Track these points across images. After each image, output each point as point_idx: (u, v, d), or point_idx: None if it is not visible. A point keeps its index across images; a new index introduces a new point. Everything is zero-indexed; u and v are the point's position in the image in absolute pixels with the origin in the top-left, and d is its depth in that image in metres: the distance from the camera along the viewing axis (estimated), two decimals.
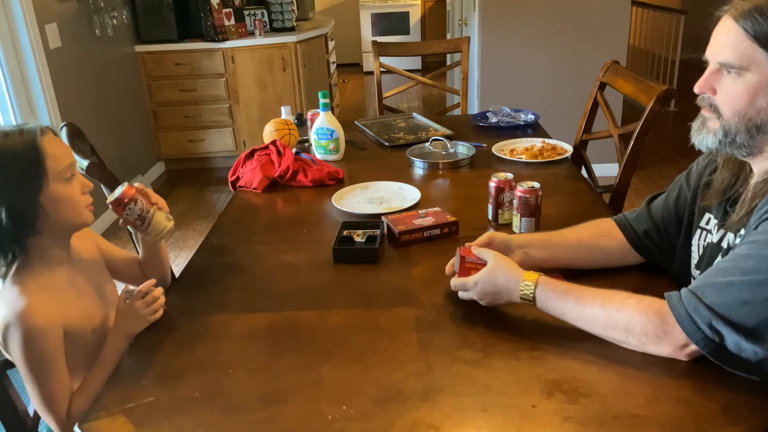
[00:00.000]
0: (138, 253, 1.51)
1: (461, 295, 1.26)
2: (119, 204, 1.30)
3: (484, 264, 1.23)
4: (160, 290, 1.30)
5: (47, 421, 1.21)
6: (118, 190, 1.31)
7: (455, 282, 1.26)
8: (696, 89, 1.09)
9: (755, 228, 1.01)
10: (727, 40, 1.03)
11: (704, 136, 1.10)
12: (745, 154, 1.09)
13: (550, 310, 1.15)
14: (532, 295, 1.15)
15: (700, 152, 1.27)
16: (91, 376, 1.22)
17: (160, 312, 1.28)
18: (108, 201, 1.32)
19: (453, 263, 1.32)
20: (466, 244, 1.30)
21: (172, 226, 1.37)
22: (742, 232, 1.07)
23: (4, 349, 1.18)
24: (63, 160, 1.21)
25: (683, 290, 1.04)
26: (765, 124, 1.03)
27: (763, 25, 0.99)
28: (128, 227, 1.40)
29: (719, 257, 1.14)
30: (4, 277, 1.20)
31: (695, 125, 1.13)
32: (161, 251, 1.48)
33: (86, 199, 1.26)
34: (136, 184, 1.34)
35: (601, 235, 1.37)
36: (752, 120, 1.04)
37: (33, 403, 1.20)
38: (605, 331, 1.09)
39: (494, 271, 1.20)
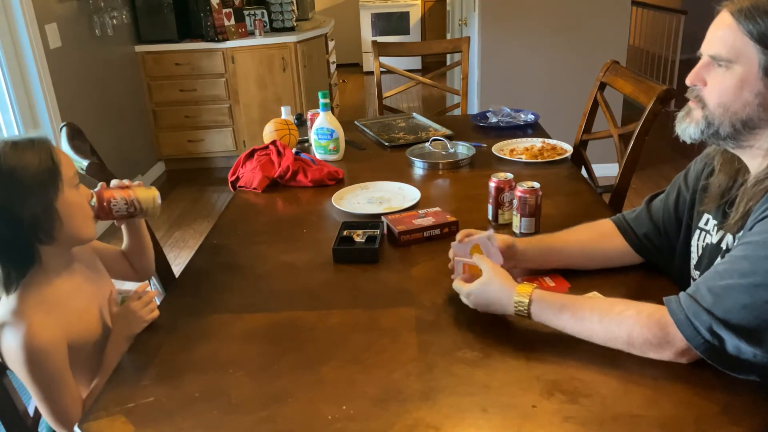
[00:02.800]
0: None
1: (461, 297, 1.26)
2: (103, 210, 1.30)
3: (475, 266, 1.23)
4: (154, 293, 1.30)
5: None
6: (93, 202, 1.29)
7: (455, 285, 1.26)
8: (687, 81, 1.11)
9: (750, 229, 1.01)
10: (721, 33, 1.04)
11: (686, 125, 1.12)
12: (732, 146, 1.09)
13: (547, 324, 1.14)
14: (526, 311, 1.14)
15: (699, 152, 1.28)
16: (99, 383, 1.22)
17: (157, 312, 1.29)
18: (94, 216, 1.30)
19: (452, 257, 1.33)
20: (464, 239, 1.31)
21: (157, 191, 1.36)
22: (740, 234, 1.07)
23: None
24: (71, 168, 1.23)
25: (682, 294, 1.03)
26: (751, 119, 1.04)
27: (757, 21, 1.00)
28: (126, 222, 1.41)
29: (718, 259, 1.14)
30: (14, 291, 1.18)
31: (680, 115, 1.14)
32: (144, 239, 1.47)
33: (92, 210, 1.27)
34: (98, 187, 1.33)
35: (600, 238, 1.36)
36: (737, 114, 1.04)
37: (45, 419, 1.20)
38: (605, 343, 1.08)
39: (487, 284, 1.19)
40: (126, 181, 1.35)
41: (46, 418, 1.20)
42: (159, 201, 1.35)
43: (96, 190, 1.31)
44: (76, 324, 1.23)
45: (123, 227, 1.44)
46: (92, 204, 1.28)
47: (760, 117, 1.03)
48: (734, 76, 1.03)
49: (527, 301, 1.13)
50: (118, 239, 1.49)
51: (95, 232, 1.28)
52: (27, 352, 1.13)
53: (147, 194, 1.34)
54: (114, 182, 1.34)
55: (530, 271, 1.37)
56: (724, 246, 1.14)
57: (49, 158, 1.17)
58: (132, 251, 1.47)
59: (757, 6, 1.01)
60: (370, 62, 7.85)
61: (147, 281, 1.32)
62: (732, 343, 0.97)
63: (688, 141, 1.13)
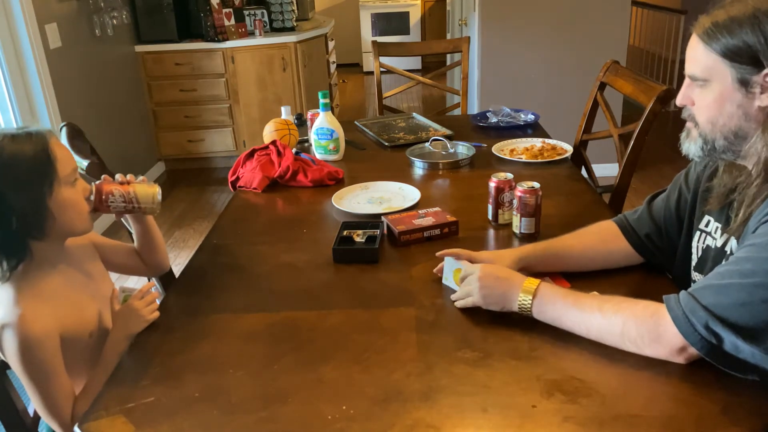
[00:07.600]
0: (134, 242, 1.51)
1: (463, 303, 1.26)
2: (101, 204, 1.30)
3: None
4: (156, 293, 1.31)
5: (53, 426, 1.21)
6: (92, 197, 1.29)
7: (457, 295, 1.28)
8: (677, 102, 1.16)
9: (754, 231, 1.02)
10: (693, 54, 1.10)
11: (689, 144, 1.16)
12: (733, 158, 1.12)
13: (547, 312, 1.15)
14: (533, 290, 1.15)
15: None
16: (94, 379, 1.22)
17: (158, 313, 1.29)
18: (92, 209, 1.30)
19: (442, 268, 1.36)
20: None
21: (158, 188, 1.35)
22: (743, 237, 1.07)
23: (1, 352, 1.18)
24: (69, 165, 1.22)
25: (681, 293, 1.04)
26: (740, 128, 1.07)
27: (720, 38, 1.04)
28: (125, 218, 1.41)
29: (723, 262, 1.14)
30: (6, 280, 1.19)
31: (683, 135, 1.18)
32: (154, 236, 1.48)
33: (88, 204, 1.27)
34: (98, 181, 1.33)
35: (604, 242, 1.37)
36: (726, 126, 1.08)
37: (37, 410, 1.20)
38: (601, 334, 1.09)
39: (493, 267, 1.24)
40: (129, 176, 1.35)
41: (38, 410, 1.20)
42: (159, 198, 1.34)
43: (97, 182, 1.31)
44: (70, 315, 1.23)
45: (131, 224, 1.44)
46: (90, 198, 1.28)
47: (748, 125, 1.07)
48: (713, 93, 1.07)
49: (536, 285, 1.16)
50: (120, 236, 1.50)
51: (90, 225, 1.28)
52: (19, 341, 1.13)
53: (146, 191, 1.33)
54: (118, 176, 1.34)
55: (531, 272, 1.36)
56: (728, 250, 1.14)
57: (44, 153, 1.17)
58: (142, 248, 1.48)
59: (717, 23, 1.05)
60: (370, 62, 7.85)
61: (152, 281, 1.32)
62: (729, 340, 0.97)
63: (696, 158, 1.17)
